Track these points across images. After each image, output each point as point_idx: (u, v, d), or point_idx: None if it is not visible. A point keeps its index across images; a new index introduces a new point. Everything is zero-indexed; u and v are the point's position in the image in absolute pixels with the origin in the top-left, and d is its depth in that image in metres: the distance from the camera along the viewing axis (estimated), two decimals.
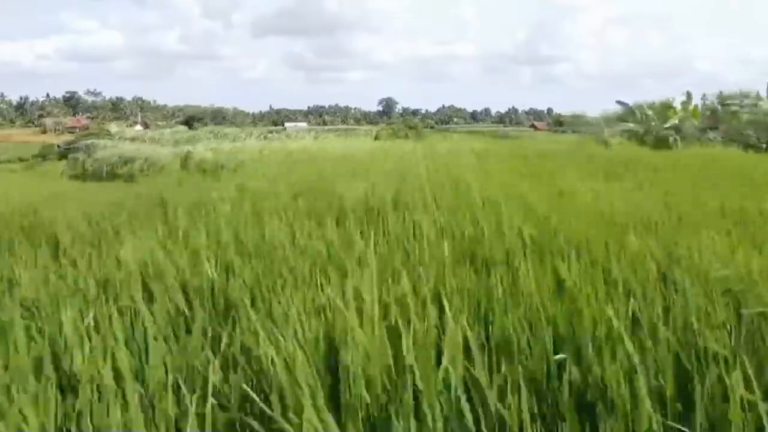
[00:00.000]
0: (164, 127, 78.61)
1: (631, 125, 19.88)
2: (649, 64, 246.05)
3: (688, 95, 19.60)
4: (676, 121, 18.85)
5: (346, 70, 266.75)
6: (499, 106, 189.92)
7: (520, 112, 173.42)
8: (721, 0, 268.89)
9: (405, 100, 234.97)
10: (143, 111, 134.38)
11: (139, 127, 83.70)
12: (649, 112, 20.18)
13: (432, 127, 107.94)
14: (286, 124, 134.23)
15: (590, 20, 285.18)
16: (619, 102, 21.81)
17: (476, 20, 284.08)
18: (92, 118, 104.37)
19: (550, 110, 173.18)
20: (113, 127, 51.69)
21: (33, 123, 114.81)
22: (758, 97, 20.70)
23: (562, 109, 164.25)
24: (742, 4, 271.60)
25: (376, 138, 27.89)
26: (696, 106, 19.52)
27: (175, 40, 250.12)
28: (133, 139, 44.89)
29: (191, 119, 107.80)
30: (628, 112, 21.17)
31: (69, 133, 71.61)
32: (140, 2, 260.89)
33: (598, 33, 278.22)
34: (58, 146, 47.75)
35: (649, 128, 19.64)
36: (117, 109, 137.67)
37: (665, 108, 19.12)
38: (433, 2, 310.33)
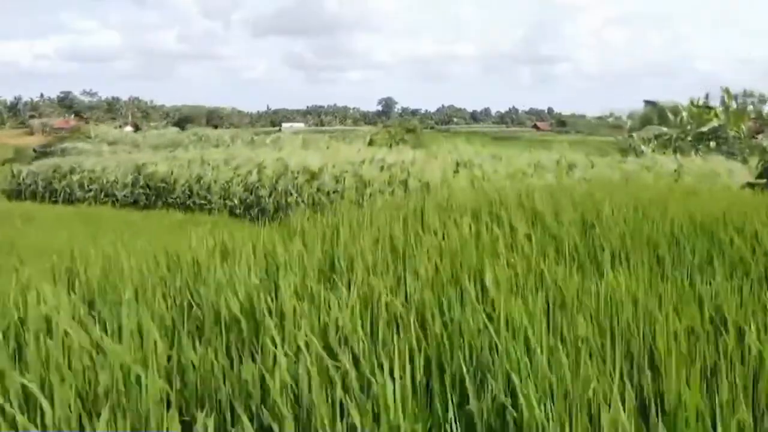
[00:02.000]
0: (154, 128, 76.05)
1: (663, 129, 17.15)
2: (649, 63, 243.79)
3: (728, 94, 16.96)
4: (716, 125, 16.22)
5: (345, 70, 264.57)
6: (499, 106, 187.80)
7: (520, 112, 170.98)
8: (721, 0, 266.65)
9: (404, 100, 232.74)
10: (140, 111, 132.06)
11: (129, 128, 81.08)
12: (684, 114, 17.48)
13: (432, 128, 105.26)
14: (283, 125, 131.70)
15: (590, 20, 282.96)
16: (647, 101, 19.08)
17: (476, 20, 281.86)
18: (86, 119, 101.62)
19: (550, 110, 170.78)
20: (92, 130, 49.09)
21: (24, 124, 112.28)
22: (762, 96, 18.85)
23: (562, 108, 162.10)
24: (742, 3, 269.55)
25: (371, 143, 25.12)
26: (738, 109, 16.85)
27: (175, 39, 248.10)
28: (112, 143, 42.36)
29: (183, 120, 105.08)
30: (658, 113, 18.44)
31: (56, 134, 68.96)
32: (140, 2, 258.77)
33: (598, 33, 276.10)
34: (34, 149, 45.16)
35: (685, 132, 16.95)
36: (113, 109, 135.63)
37: (704, 109, 16.49)
38: (432, 2, 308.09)
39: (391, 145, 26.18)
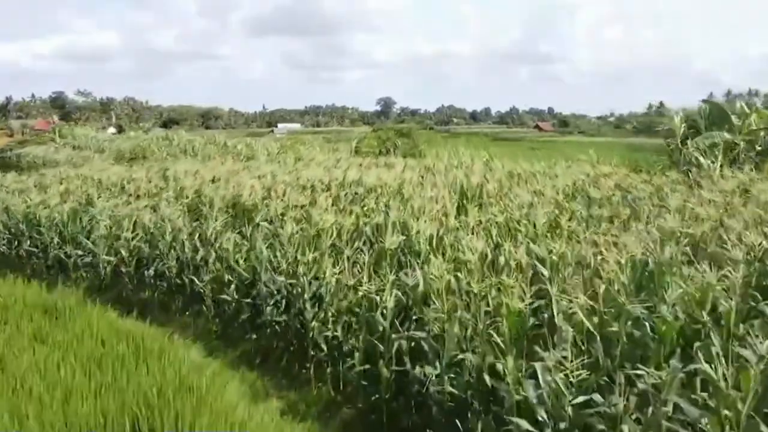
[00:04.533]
0: (139, 129, 72.24)
1: (726, 135, 13.23)
2: (649, 62, 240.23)
3: None
4: None
5: (344, 69, 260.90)
6: (499, 106, 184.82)
7: (521, 111, 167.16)
8: None
9: (404, 100, 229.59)
10: (134, 111, 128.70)
11: (112, 130, 77.17)
12: (754, 117, 13.56)
13: (431, 128, 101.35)
14: (279, 125, 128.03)
15: (591, 19, 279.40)
16: (705, 101, 15.15)
17: (476, 19, 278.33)
18: (75, 120, 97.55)
19: (551, 109, 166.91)
20: (56, 133, 45.18)
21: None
22: None
23: (562, 108, 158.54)
24: (741, 3, 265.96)
25: (356, 151, 21.15)
26: None
27: (173, 39, 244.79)
28: (77, 147, 38.45)
29: (170, 121, 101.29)
30: (714, 116, 14.51)
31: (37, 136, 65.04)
32: (138, 2, 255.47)
33: (597, 32, 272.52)
34: None
35: (755, 141, 13.06)
36: (107, 110, 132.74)
37: None
38: (432, 2, 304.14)
39: (380, 152, 22.37)
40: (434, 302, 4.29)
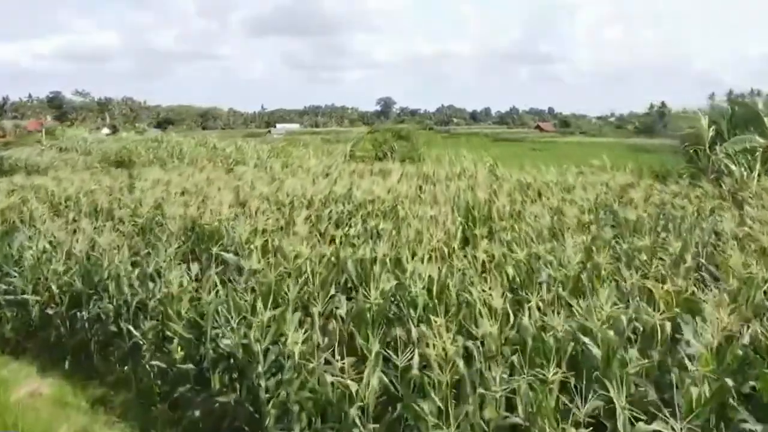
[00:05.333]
0: (131, 129, 70.97)
1: (759, 139, 11.87)
2: (649, 62, 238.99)
3: None
4: None
5: (344, 69, 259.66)
6: (499, 106, 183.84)
7: (521, 111, 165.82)
8: None
9: (404, 100, 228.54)
10: (132, 111, 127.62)
11: (106, 130, 75.77)
12: None
13: (431, 128, 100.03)
14: (277, 125, 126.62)
15: (591, 19, 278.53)
16: (732, 101, 13.79)
17: (476, 19, 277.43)
18: (72, 120, 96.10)
19: (551, 109, 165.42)
20: (43, 135, 43.83)
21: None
22: None
23: (562, 108, 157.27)
24: (741, 3, 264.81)
25: (351, 155, 19.77)
26: None
27: (173, 39, 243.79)
28: (63, 149, 37.08)
29: (166, 121, 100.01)
30: (743, 116, 13.16)
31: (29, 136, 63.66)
32: (138, 2, 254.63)
33: (600, 31, 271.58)
34: None
35: None
36: (104, 110, 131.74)
37: None
38: (432, 2, 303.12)
39: (377, 156, 20.96)
40: (434, 397, 2.94)
